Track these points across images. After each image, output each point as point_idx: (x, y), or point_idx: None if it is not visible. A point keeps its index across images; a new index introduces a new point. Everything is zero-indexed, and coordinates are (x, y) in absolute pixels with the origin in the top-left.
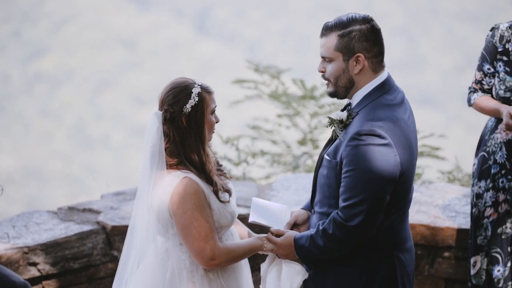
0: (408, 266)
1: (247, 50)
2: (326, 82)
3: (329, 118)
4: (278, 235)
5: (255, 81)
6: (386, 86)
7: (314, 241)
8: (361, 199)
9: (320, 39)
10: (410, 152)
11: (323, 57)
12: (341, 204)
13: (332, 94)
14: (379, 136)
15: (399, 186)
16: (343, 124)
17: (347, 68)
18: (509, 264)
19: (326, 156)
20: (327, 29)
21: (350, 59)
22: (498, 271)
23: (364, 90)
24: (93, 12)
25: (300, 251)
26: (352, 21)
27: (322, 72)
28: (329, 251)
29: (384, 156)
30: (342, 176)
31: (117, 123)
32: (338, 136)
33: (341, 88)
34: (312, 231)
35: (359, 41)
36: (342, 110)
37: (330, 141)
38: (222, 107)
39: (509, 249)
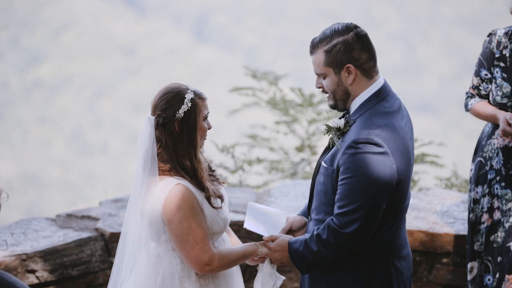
0: (404, 273)
1: (245, 57)
2: (327, 96)
3: (327, 125)
4: (272, 240)
5: (253, 88)
6: (383, 93)
7: (308, 246)
8: (357, 206)
9: (310, 56)
10: (407, 160)
11: (317, 74)
12: (336, 211)
13: (333, 107)
14: (376, 144)
15: (395, 193)
16: (341, 132)
17: (341, 81)
18: (497, 275)
19: (323, 164)
20: (314, 47)
21: (341, 71)
22: (489, 280)
23: (361, 98)
24: (91, 19)
25: (294, 255)
26: (335, 33)
27: (320, 87)
28: (322, 257)
29: (381, 164)
30: (339, 183)
31: (115, 130)
32: (335, 144)
33: (339, 101)
34: (306, 235)
35: (345, 52)
36: (340, 118)
37: (328, 149)
38: (220, 115)
39: (498, 259)
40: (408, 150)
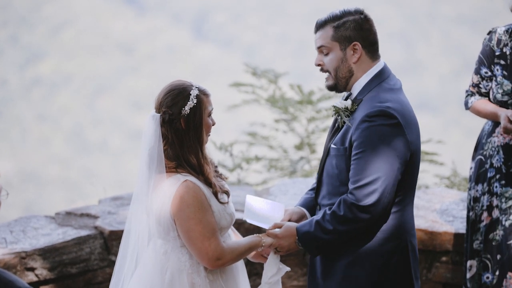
0: (416, 251)
1: (245, 55)
2: (326, 75)
3: (334, 107)
4: (278, 227)
5: (252, 85)
6: (385, 73)
7: (320, 226)
8: (374, 178)
9: (315, 34)
10: (417, 133)
11: (319, 49)
12: (352, 186)
13: (331, 87)
14: (390, 116)
15: (409, 167)
16: (349, 112)
17: (345, 57)
18: (497, 273)
19: (333, 146)
20: (321, 24)
21: (347, 48)
22: (487, 278)
23: (364, 79)
24: (91, 16)
25: (304, 237)
26: (345, 13)
27: (319, 65)
28: (338, 234)
29: (395, 135)
30: (352, 158)
31: (115, 128)
32: (345, 122)
33: (341, 79)
34: (316, 217)
35: (355, 30)
36: (344, 100)
37: (336, 131)
38: (219, 112)
39: (498, 256)
40: (416, 124)
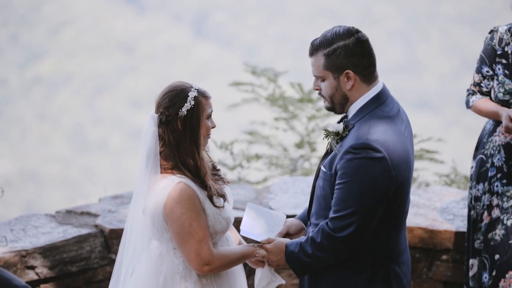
0: (404, 278)
1: (245, 54)
2: (323, 98)
3: (325, 130)
4: (270, 242)
5: (252, 84)
6: (382, 97)
7: (303, 248)
8: (352, 211)
9: (309, 58)
10: (406, 165)
11: (315, 76)
12: (331, 215)
13: (329, 109)
14: (374, 149)
15: (394, 199)
16: (340, 136)
17: (339, 85)
18: (494, 273)
19: (322, 168)
20: (314, 49)
21: (340, 76)
22: (486, 277)
23: (359, 103)
24: (91, 16)
25: (289, 257)
26: (336, 37)
27: (317, 90)
28: (317, 260)
29: (378, 169)
30: (335, 187)
31: (115, 127)
32: (333, 149)
33: (337, 105)
34: (302, 238)
35: (346, 57)
36: (339, 122)
37: (327, 153)
38: (219, 111)
39: (496, 257)
40: (407, 155)
